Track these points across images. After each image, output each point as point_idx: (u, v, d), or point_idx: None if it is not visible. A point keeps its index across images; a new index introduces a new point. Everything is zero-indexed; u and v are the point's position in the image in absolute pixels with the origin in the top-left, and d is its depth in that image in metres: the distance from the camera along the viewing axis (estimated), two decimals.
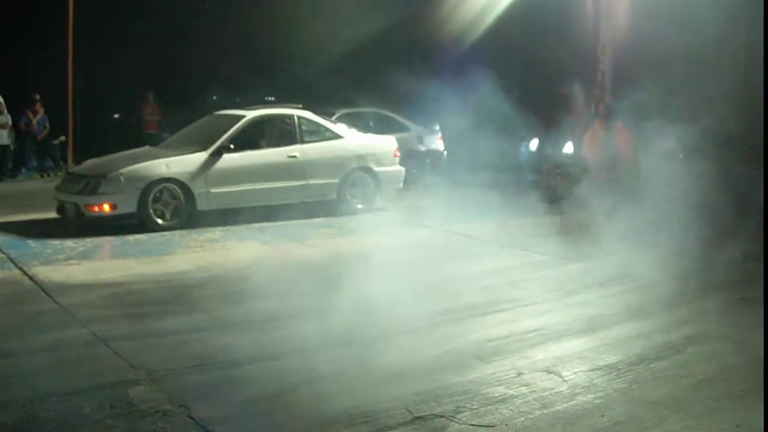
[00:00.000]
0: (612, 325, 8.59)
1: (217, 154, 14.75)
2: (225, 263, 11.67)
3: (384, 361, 7.43)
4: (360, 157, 16.45)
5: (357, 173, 16.42)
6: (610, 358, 7.48)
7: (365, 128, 18.35)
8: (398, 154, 17.17)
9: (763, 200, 7.85)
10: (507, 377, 6.96)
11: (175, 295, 9.83)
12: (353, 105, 20.80)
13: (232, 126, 15.28)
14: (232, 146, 14.92)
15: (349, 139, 16.56)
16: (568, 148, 19.38)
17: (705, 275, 10.55)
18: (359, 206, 16.29)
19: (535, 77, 17.48)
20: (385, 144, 17.14)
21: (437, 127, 22.76)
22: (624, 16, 15.46)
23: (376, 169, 16.59)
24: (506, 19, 15.94)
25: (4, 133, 23.09)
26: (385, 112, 21.96)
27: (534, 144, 22.10)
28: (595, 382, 6.88)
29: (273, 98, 18.35)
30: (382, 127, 20.22)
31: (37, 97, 23.81)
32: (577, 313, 9.03)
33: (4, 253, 12.00)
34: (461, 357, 7.52)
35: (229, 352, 7.57)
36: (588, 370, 7.15)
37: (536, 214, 15.09)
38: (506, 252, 12.41)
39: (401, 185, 17.19)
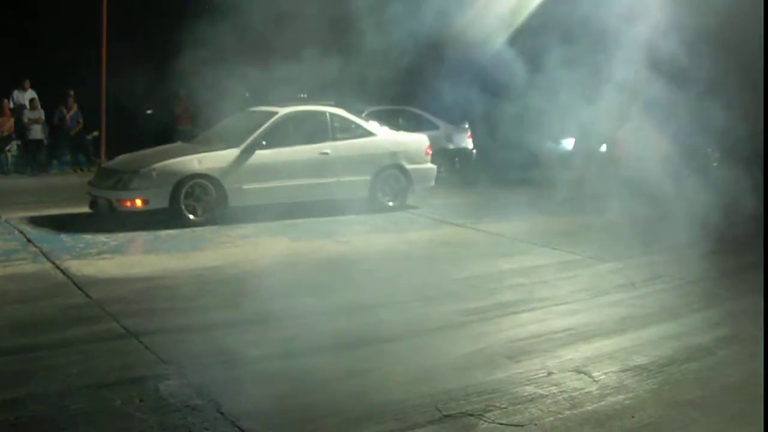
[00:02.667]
0: (643, 326, 8.54)
1: (249, 151, 14.78)
2: (256, 259, 11.68)
3: (414, 358, 7.43)
4: (392, 155, 16.45)
5: (389, 171, 16.42)
6: (641, 359, 7.44)
7: (394, 126, 18.30)
8: (430, 151, 17.17)
9: (764, 201, 7.75)
10: (537, 377, 6.93)
11: (207, 291, 9.86)
12: (382, 102, 20.75)
13: (265, 122, 15.31)
14: (264, 143, 14.94)
15: (381, 137, 16.56)
16: (604, 148, 19.35)
17: (737, 277, 10.52)
18: (390, 203, 16.31)
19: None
20: (417, 141, 17.14)
21: (467, 126, 22.72)
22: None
23: (408, 166, 16.60)
24: (539, 19, 15.83)
25: (38, 128, 23.33)
26: (415, 110, 21.92)
27: (571, 143, 22.06)
28: (625, 382, 6.85)
29: (305, 95, 18.28)
30: (412, 125, 20.19)
31: (71, 93, 24.00)
32: (609, 314, 9.00)
33: (36, 246, 12.08)
34: (491, 356, 7.51)
35: (259, 347, 7.58)
36: (618, 371, 7.12)
37: (568, 214, 15.06)
38: (537, 251, 12.37)
39: (433, 183, 17.19)
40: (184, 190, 14.05)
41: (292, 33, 14.31)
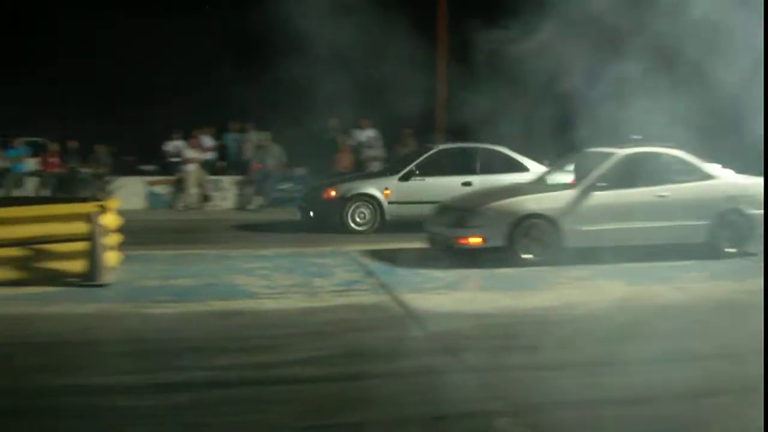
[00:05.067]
0: None
1: (587, 192, 14.65)
2: (592, 302, 11.49)
3: (747, 414, 7.06)
4: (732, 199, 15.79)
5: (728, 215, 15.77)
6: None
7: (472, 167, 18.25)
8: None
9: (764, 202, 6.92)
10: None
11: (542, 331, 9.80)
12: (457, 140, 19.97)
13: (603, 164, 15.14)
14: (602, 184, 14.78)
15: (722, 180, 15.94)
16: None
17: None
18: (729, 250, 15.66)
19: None
20: (759, 185, 16.42)
21: (570, 167, 17.73)
22: None
23: (749, 211, 15.87)
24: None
25: (378, 165, 24.21)
26: (498, 148, 20.05)
27: None
28: None
29: (640, 136, 17.79)
30: (493, 166, 19.45)
31: (410, 131, 24.76)
32: None
33: (376, 278, 12.46)
34: None
35: (593, 391, 7.47)
36: None
37: None
38: None
39: None
40: (520, 230, 14.08)
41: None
